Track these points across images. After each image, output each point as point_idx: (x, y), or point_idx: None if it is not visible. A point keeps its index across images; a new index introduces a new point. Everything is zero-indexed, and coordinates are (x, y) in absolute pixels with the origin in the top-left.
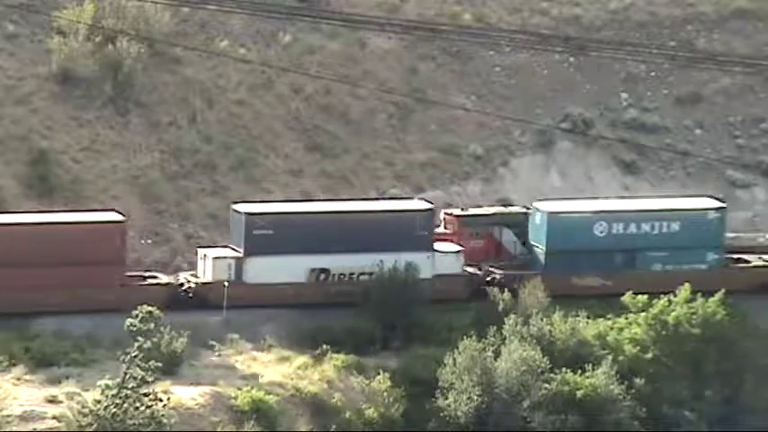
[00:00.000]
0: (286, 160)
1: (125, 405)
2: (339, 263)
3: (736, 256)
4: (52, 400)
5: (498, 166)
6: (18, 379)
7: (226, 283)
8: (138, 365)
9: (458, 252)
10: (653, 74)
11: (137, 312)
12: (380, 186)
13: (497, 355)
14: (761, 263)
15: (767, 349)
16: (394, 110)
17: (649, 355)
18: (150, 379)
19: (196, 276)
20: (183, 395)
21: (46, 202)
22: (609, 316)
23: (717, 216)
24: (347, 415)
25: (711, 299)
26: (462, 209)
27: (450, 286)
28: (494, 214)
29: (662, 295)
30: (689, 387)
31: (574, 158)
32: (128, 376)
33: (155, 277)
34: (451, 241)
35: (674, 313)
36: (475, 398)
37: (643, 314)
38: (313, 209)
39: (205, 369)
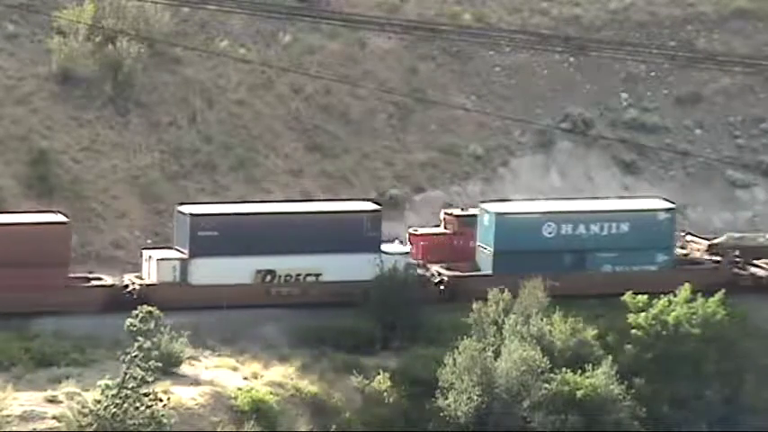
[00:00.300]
0: (286, 160)
1: (125, 405)
2: (285, 264)
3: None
4: (52, 400)
5: (498, 166)
6: (18, 379)
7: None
8: (138, 365)
9: (406, 254)
10: (653, 74)
11: (136, 312)
12: (380, 186)
13: (497, 354)
14: (711, 264)
15: (767, 349)
16: (394, 110)
17: (649, 355)
18: (150, 379)
19: (141, 278)
20: (183, 395)
21: (46, 202)
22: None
23: (667, 217)
24: (347, 415)
25: (711, 299)
26: (462, 209)
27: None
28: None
29: (611, 297)
30: (689, 387)
31: (574, 158)
32: (128, 376)
33: (99, 279)
34: (451, 242)
35: (674, 313)
36: (475, 398)
37: (643, 314)
38: (259, 210)
39: (205, 369)
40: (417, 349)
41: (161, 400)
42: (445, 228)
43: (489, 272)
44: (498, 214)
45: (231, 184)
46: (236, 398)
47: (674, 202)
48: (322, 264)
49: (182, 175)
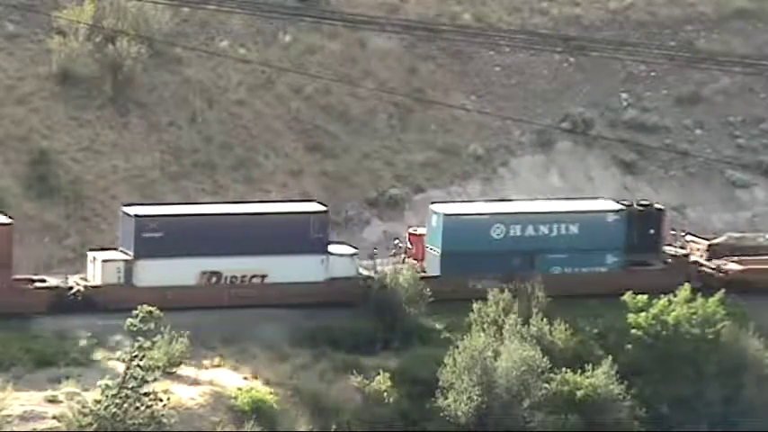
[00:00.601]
0: (286, 160)
1: (125, 405)
2: (231, 265)
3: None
4: (52, 400)
5: (498, 166)
6: (18, 379)
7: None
8: (139, 365)
9: (353, 255)
10: (653, 74)
11: (137, 312)
12: (380, 186)
13: (497, 354)
14: (661, 265)
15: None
16: (394, 110)
17: (649, 355)
18: (150, 379)
19: (85, 279)
20: (183, 395)
21: (46, 202)
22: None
23: (616, 218)
24: (347, 415)
25: (711, 299)
26: None
27: (345, 289)
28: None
29: (562, 298)
30: (689, 387)
31: (574, 158)
32: (128, 376)
33: (43, 281)
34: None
35: (674, 313)
36: (475, 398)
37: (643, 314)
38: (204, 211)
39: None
40: (416, 349)
41: (161, 400)
42: None
43: (437, 273)
44: (446, 215)
45: (231, 184)
46: (236, 398)
47: (623, 203)
48: (268, 265)
49: (182, 175)
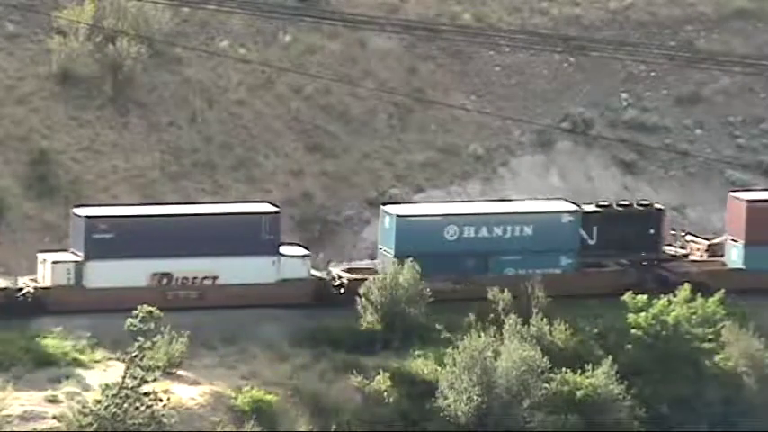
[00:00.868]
0: (286, 160)
1: (125, 405)
2: (182, 267)
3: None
4: (52, 400)
5: (498, 166)
6: (18, 379)
7: None
8: (139, 365)
9: (304, 256)
10: (653, 74)
11: (137, 312)
12: (380, 186)
13: (497, 354)
14: (616, 267)
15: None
16: (394, 110)
17: (649, 355)
18: (150, 379)
19: (36, 281)
20: (183, 395)
21: (46, 202)
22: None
23: (571, 220)
24: (347, 415)
25: (711, 299)
26: None
27: (296, 291)
28: None
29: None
30: (689, 387)
31: (574, 158)
32: (128, 376)
33: None
34: None
35: (673, 313)
36: (475, 398)
37: (643, 314)
38: (155, 212)
39: (204, 369)
40: (415, 349)
41: (161, 400)
42: None
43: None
44: (399, 216)
45: (231, 184)
46: (236, 398)
47: (578, 204)
48: (219, 266)
49: (182, 175)
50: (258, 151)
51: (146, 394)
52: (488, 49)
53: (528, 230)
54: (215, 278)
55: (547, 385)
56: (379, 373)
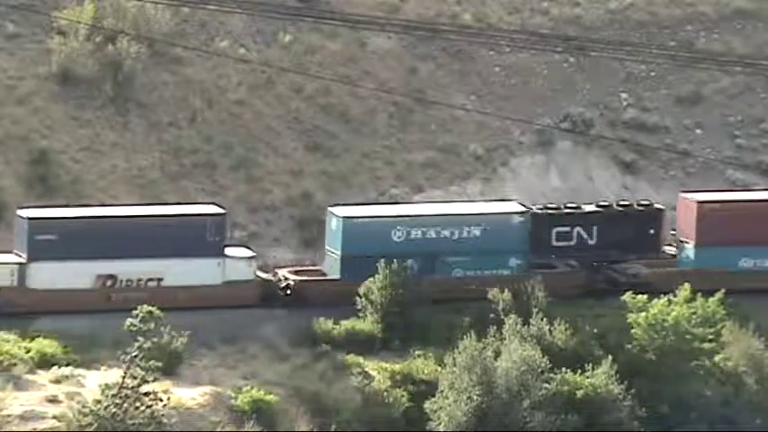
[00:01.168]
0: (286, 160)
1: (125, 405)
2: (126, 269)
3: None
4: (52, 400)
5: (498, 166)
6: (18, 379)
7: None
8: (139, 365)
9: (250, 258)
10: (653, 74)
11: (137, 312)
12: (380, 186)
13: (497, 354)
14: (566, 268)
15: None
16: (394, 110)
17: (649, 355)
18: (150, 379)
19: None
20: (183, 395)
21: (46, 202)
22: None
23: (520, 221)
24: (347, 415)
25: (711, 299)
26: None
27: (242, 292)
28: None
29: (464, 302)
30: (689, 387)
31: (574, 158)
32: (128, 376)
33: None
34: None
35: (673, 313)
36: (475, 398)
37: (643, 314)
38: (99, 213)
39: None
40: (415, 349)
41: (161, 400)
42: None
43: (337, 276)
44: (346, 218)
45: (231, 184)
46: (236, 398)
47: (528, 206)
48: (163, 268)
49: (182, 175)
50: (258, 151)
51: (146, 394)
52: (488, 49)
53: (476, 232)
54: (160, 280)
55: (547, 385)
56: (378, 373)
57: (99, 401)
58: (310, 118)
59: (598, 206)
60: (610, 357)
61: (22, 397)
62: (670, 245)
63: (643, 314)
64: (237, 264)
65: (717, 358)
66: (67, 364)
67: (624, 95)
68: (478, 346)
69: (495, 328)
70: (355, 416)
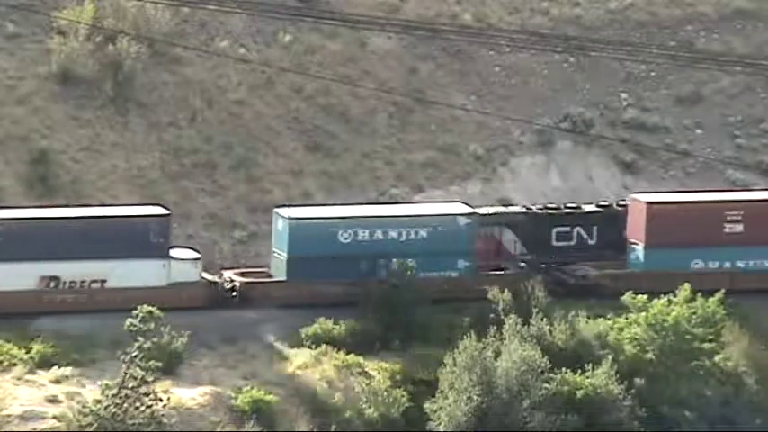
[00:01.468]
0: (286, 160)
1: (125, 405)
2: (70, 270)
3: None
4: (52, 400)
5: (498, 166)
6: (18, 379)
7: None
8: (139, 365)
9: (195, 260)
10: (653, 74)
11: (137, 312)
12: (380, 186)
13: (497, 354)
14: (511, 270)
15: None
16: (394, 110)
17: (649, 355)
18: (150, 379)
19: None
20: (183, 395)
21: (46, 202)
22: (609, 316)
23: (467, 222)
24: (347, 414)
25: (711, 299)
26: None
27: (187, 294)
28: (494, 214)
29: None
30: (689, 387)
31: (574, 158)
32: (128, 376)
33: None
34: None
35: (673, 313)
36: (475, 398)
37: (642, 314)
38: (43, 215)
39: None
40: (415, 349)
41: (161, 400)
42: None
43: (283, 278)
44: (292, 219)
45: (231, 184)
46: (236, 398)
47: (472, 206)
48: (107, 270)
49: (182, 175)
50: (258, 151)
51: (146, 394)
52: (488, 49)
53: (423, 233)
54: (103, 281)
55: (547, 385)
56: (378, 373)
57: (99, 401)
58: (310, 118)
59: (598, 206)
60: (610, 357)
61: (22, 397)
62: None
63: (643, 314)
64: (182, 265)
65: (717, 358)
66: (67, 364)
67: (624, 95)
68: (478, 346)
69: (495, 328)
70: (355, 415)
